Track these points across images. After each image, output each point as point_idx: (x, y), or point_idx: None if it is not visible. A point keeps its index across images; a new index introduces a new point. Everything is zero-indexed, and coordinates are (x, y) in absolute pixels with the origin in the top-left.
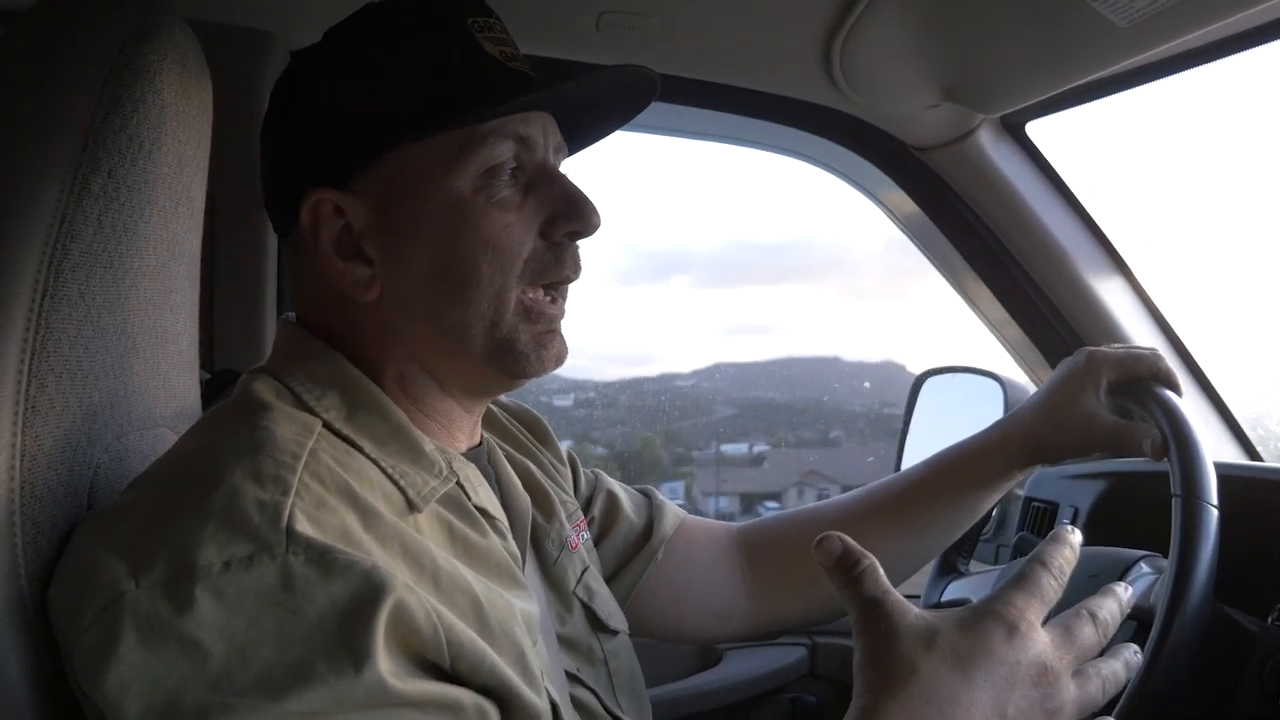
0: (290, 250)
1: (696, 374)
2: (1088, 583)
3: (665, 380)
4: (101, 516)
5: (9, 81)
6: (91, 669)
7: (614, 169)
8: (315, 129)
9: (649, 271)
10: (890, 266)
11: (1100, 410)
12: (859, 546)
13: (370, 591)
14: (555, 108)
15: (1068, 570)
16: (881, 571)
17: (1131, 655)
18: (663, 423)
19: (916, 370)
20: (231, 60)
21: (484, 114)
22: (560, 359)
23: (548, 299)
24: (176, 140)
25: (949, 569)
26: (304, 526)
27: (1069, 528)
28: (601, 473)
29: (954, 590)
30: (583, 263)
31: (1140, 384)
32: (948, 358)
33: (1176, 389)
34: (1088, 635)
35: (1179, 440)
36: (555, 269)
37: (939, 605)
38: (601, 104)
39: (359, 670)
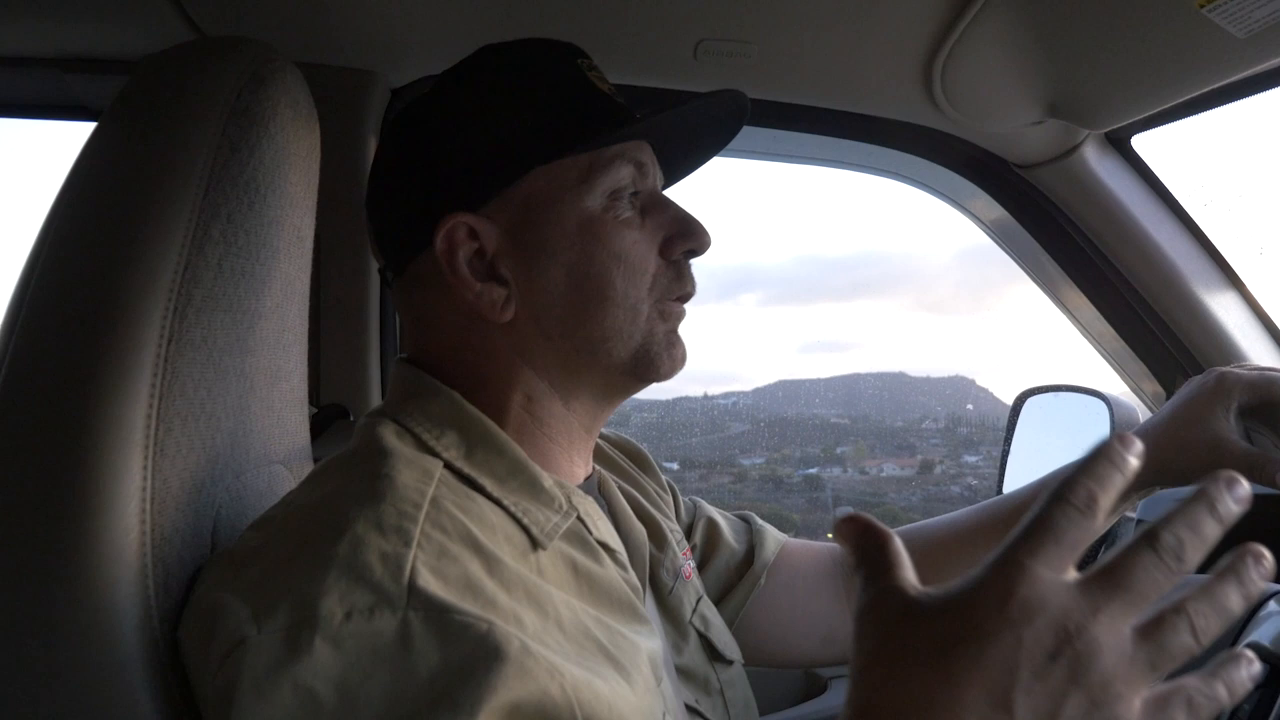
0: (408, 286)
1: (758, 391)
2: None
3: (708, 400)
4: (227, 560)
5: (132, 130)
6: (217, 712)
7: (675, 188)
8: (447, 159)
9: (715, 290)
10: (963, 279)
11: (1229, 434)
12: (880, 524)
13: (484, 656)
14: (660, 137)
15: (1104, 497)
16: (900, 551)
17: (1245, 672)
18: (669, 440)
19: (986, 384)
20: (335, 100)
21: (612, 137)
22: (684, 360)
23: (676, 305)
24: (288, 183)
25: None
26: (426, 581)
27: (1119, 435)
28: (700, 500)
29: None
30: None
31: (1275, 409)
32: (1023, 370)
33: None
34: (1141, 571)
35: None
36: (679, 285)
37: None
38: (700, 131)
39: None
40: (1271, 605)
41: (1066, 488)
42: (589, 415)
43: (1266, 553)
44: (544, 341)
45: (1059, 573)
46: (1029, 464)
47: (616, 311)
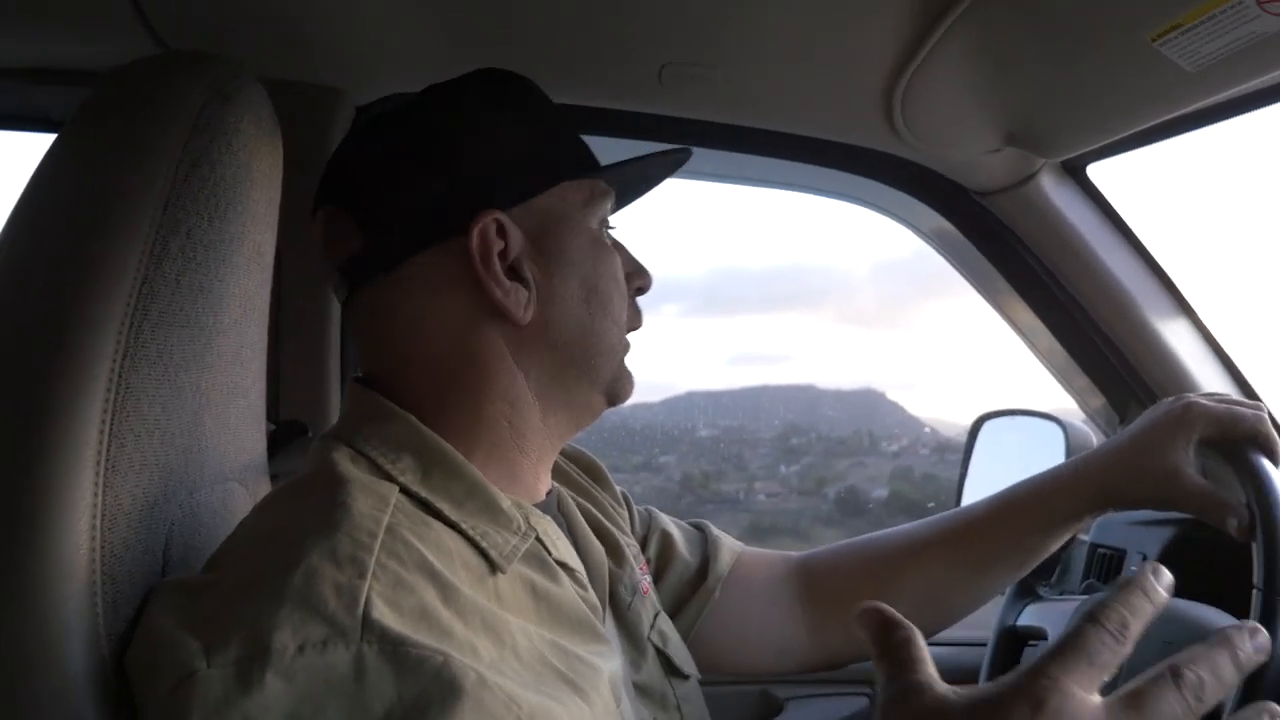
0: (395, 286)
1: (666, 403)
2: (1163, 649)
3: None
4: (179, 589)
5: (93, 143)
6: None
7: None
8: (483, 157)
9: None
10: (882, 294)
11: (1186, 467)
12: (901, 617)
13: (440, 691)
14: (622, 183)
15: (1136, 625)
16: (922, 646)
17: None
18: None
19: (897, 397)
20: (300, 116)
21: (609, 171)
22: (634, 388)
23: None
24: (250, 199)
25: (1027, 591)
26: (380, 613)
27: (1151, 566)
28: (655, 510)
29: (1029, 616)
30: None
31: (1235, 447)
32: (938, 384)
33: (1275, 457)
34: (1165, 704)
35: (1266, 526)
36: (636, 318)
37: (1013, 629)
38: (648, 179)
39: None
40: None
41: (1101, 612)
42: (559, 433)
43: (1262, 630)
44: (545, 350)
45: (1088, 692)
46: (985, 486)
47: (612, 329)
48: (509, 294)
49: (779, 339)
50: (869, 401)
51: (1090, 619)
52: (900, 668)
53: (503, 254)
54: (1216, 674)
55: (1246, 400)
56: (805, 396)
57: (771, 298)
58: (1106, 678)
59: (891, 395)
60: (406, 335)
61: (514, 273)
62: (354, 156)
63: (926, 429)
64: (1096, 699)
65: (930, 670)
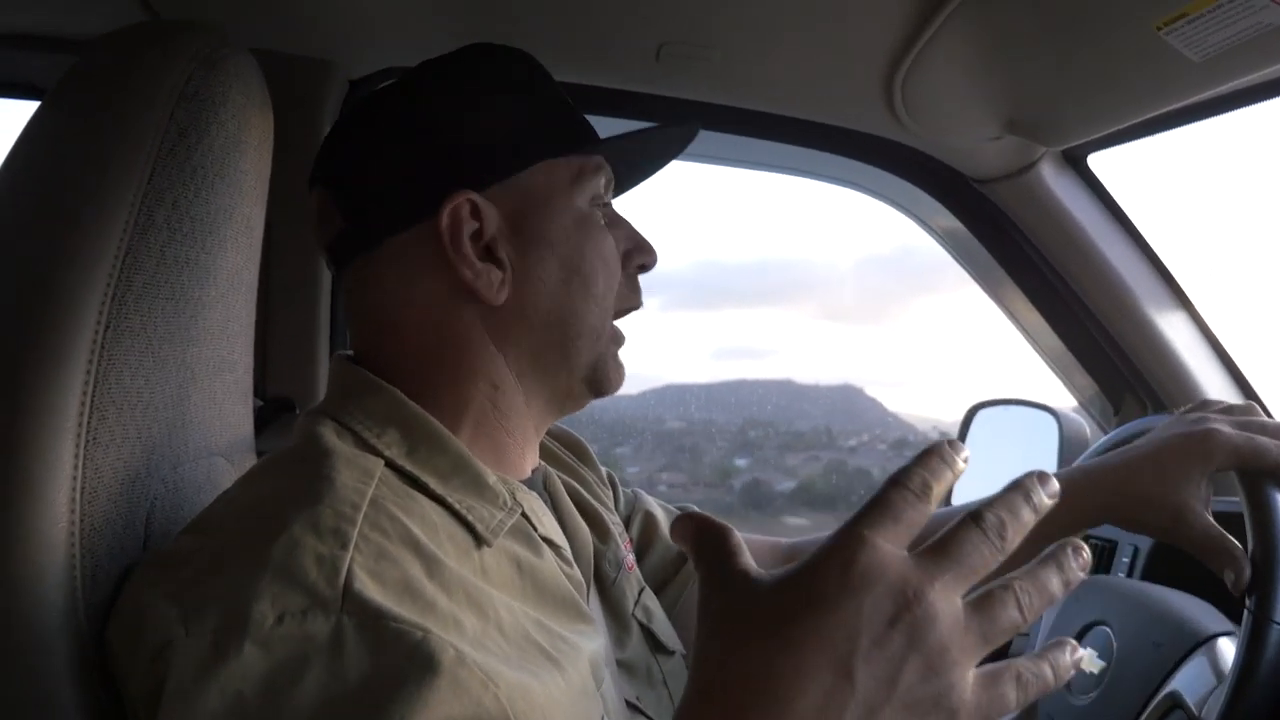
0: (381, 262)
1: (643, 394)
2: (1151, 650)
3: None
4: (159, 561)
5: (76, 110)
6: (143, 714)
7: None
8: (458, 136)
9: None
10: (865, 289)
11: (1195, 503)
12: (716, 520)
13: (417, 667)
14: (621, 157)
15: (937, 487)
16: (739, 542)
17: (1069, 658)
18: None
19: (876, 393)
20: (292, 89)
21: (601, 146)
22: (623, 380)
23: (619, 330)
24: (239, 171)
25: None
26: (362, 584)
27: (947, 441)
28: (641, 492)
29: None
30: None
31: (1254, 479)
32: (921, 381)
33: None
34: (970, 545)
35: (1264, 561)
36: (633, 296)
37: None
38: (648, 157)
39: None
40: (1199, 657)
41: (904, 476)
42: (541, 416)
43: (1085, 546)
44: (525, 331)
45: (897, 548)
46: (978, 475)
47: (593, 311)
48: (480, 275)
49: (764, 334)
50: (847, 397)
51: (893, 483)
52: (716, 562)
53: (478, 234)
54: (1014, 513)
55: (1270, 423)
56: (783, 391)
57: (757, 292)
58: (912, 534)
59: (870, 391)
60: (387, 314)
61: (489, 253)
62: (341, 136)
63: (912, 425)
64: (904, 553)
65: (744, 559)
